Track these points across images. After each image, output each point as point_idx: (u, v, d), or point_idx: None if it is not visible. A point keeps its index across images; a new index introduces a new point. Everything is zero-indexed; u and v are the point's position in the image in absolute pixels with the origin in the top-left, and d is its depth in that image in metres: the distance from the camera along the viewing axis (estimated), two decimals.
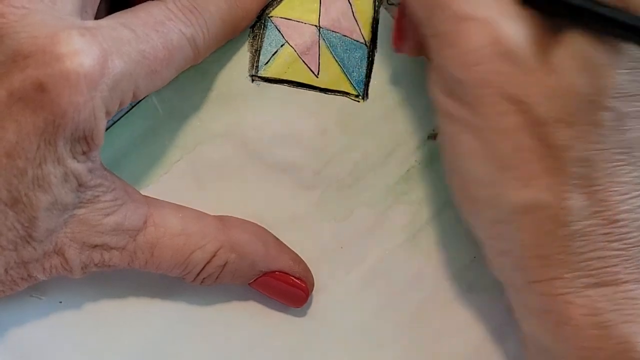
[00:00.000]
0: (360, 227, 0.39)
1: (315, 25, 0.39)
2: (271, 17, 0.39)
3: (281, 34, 0.39)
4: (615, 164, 0.31)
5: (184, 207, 0.37)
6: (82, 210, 0.33)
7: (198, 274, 0.36)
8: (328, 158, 0.39)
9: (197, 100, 0.38)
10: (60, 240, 0.33)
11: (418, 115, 0.39)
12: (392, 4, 0.39)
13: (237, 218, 0.38)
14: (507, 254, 0.33)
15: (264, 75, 0.39)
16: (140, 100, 0.38)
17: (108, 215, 0.34)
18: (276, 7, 0.39)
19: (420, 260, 0.39)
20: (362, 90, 0.39)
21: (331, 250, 0.39)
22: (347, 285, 0.39)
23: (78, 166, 0.32)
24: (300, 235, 0.39)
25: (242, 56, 0.39)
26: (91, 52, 0.31)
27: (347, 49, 0.39)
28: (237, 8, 0.36)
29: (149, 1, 0.34)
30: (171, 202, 0.37)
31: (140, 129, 0.38)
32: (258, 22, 0.39)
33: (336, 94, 0.39)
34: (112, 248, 0.34)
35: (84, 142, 0.32)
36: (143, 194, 0.37)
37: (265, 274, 0.37)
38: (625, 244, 0.31)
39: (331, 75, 0.39)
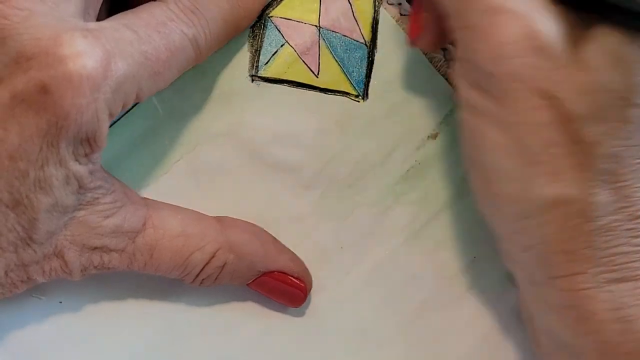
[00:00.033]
0: (360, 227, 0.39)
1: (315, 25, 0.39)
2: (271, 17, 0.39)
3: (281, 34, 0.39)
4: None
5: (183, 208, 0.37)
6: (82, 213, 0.33)
7: (197, 275, 0.36)
8: (328, 158, 0.39)
9: (197, 100, 0.38)
10: (60, 242, 0.33)
11: (418, 116, 0.39)
12: (392, 4, 0.39)
13: (235, 219, 0.38)
14: (530, 249, 0.33)
15: (264, 75, 0.38)
16: None
17: (107, 217, 0.34)
18: (276, 7, 0.39)
19: (420, 260, 0.39)
20: (362, 90, 0.39)
21: (331, 250, 0.39)
22: (346, 285, 0.39)
23: (80, 168, 0.32)
24: (300, 235, 0.39)
25: (242, 56, 0.38)
26: (94, 54, 0.30)
27: (347, 49, 0.39)
28: (238, 8, 0.36)
29: (151, 2, 0.34)
30: (170, 202, 0.37)
31: (140, 129, 0.38)
32: (258, 22, 0.38)
33: (336, 94, 0.39)
34: (111, 250, 0.34)
35: (86, 144, 0.32)
36: (143, 194, 0.37)
37: (263, 274, 0.37)
38: None
39: (331, 75, 0.39)
